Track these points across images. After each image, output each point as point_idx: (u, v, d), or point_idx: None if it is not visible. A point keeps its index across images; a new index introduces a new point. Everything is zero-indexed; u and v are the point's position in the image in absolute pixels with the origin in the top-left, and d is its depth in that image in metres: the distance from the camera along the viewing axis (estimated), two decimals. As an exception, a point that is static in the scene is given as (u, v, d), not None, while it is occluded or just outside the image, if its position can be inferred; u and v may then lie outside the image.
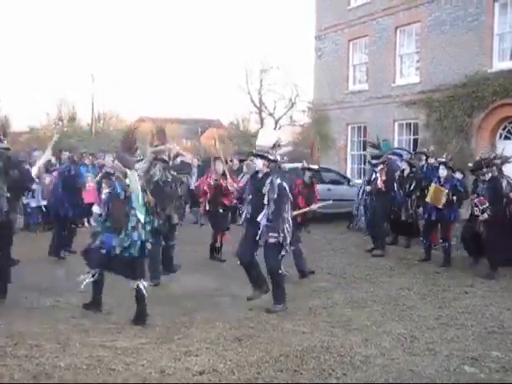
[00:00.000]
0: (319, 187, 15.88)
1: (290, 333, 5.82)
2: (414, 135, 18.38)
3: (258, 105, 32.79)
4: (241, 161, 16.70)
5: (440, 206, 9.73)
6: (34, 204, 13.89)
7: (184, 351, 5.17)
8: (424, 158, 12.22)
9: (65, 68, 74.12)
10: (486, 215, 8.74)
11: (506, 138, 15.65)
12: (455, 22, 16.61)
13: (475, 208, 8.95)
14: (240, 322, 6.15)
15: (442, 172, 9.95)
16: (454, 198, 9.75)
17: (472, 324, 6.20)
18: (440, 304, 7.10)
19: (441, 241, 10.16)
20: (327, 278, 8.72)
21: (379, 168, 11.11)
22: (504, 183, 9.27)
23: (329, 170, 17.94)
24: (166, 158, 8.21)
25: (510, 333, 5.89)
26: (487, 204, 8.75)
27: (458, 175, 10.71)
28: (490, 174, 8.95)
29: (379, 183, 10.92)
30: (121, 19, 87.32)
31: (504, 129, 15.73)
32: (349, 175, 19.65)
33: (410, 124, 18.61)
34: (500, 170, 9.26)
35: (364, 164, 19.90)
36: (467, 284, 8.25)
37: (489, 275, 8.69)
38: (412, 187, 11.56)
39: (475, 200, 8.97)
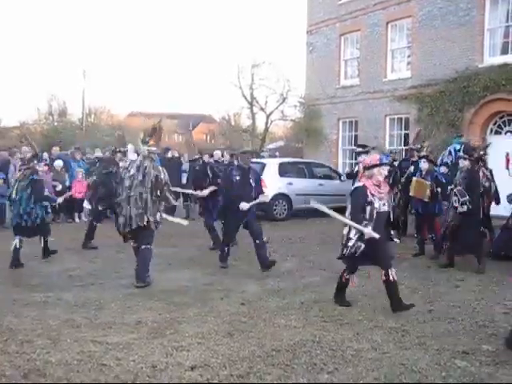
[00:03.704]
0: (310, 182, 16.07)
1: (282, 327, 5.82)
2: (405, 130, 18.43)
3: (250, 100, 32.67)
4: (232, 155, 16.72)
5: (426, 199, 9.79)
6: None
7: (176, 346, 5.16)
8: (415, 153, 12.28)
9: (56, 63, 73.80)
10: (465, 208, 8.75)
11: (497, 132, 15.72)
12: (446, 16, 16.64)
13: (454, 198, 8.93)
14: (231, 317, 6.15)
15: (424, 165, 10.04)
16: (439, 189, 9.80)
17: (463, 318, 6.23)
18: (431, 298, 7.13)
19: (429, 235, 10.24)
20: (319, 272, 8.73)
21: (362, 158, 11.14)
22: (480, 174, 9.34)
23: (320, 165, 17.99)
24: (154, 158, 8.03)
25: (500, 326, 5.92)
26: (467, 197, 8.76)
27: (443, 169, 10.78)
28: (466, 163, 9.00)
29: (360, 169, 10.93)
30: (112, 15, 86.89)
31: (495, 124, 15.80)
32: (340, 170, 19.68)
33: (401, 119, 18.66)
34: (479, 161, 9.33)
35: (355, 159, 19.95)
36: (458, 278, 8.29)
37: (479, 269, 8.73)
38: (391, 181, 11.61)
39: (455, 189, 8.96)
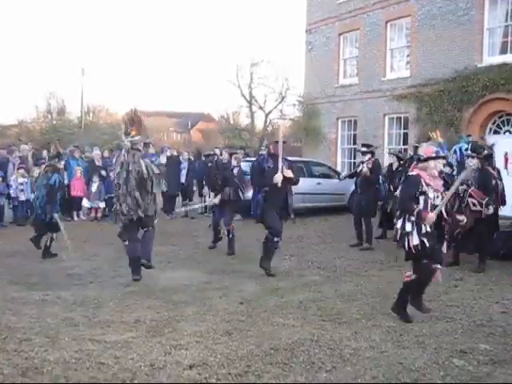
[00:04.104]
0: (308, 181, 16.05)
1: (280, 326, 5.82)
2: (404, 129, 18.44)
3: (249, 98, 32.72)
4: (231, 154, 16.71)
5: None
6: (22, 197, 13.82)
7: (174, 345, 5.16)
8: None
9: (54, 61, 73.70)
10: (491, 209, 8.70)
11: (496, 132, 15.73)
12: (445, 16, 16.64)
13: (470, 199, 8.85)
14: (230, 316, 6.15)
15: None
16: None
17: (461, 317, 6.23)
18: (429, 297, 7.10)
19: None
20: (317, 271, 8.73)
21: (366, 158, 11.15)
22: None
23: (319, 164, 17.99)
24: (140, 147, 7.81)
25: (498, 326, 5.92)
26: (487, 198, 8.67)
27: (447, 169, 10.75)
28: (474, 161, 8.95)
29: (364, 169, 10.91)
30: (111, 13, 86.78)
31: (494, 123, 15.81)
32: (339, 169, 19.69)
33: (400, 118, 18.66)
34: (488, 160, 9.30)
35: (354, 158, 19.96)
36: (456, 277, 8.29)
37: (478, 268, 8.73)
38: (401, 181, 11.59)
39: (470, 190, 8.88)
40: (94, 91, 71.36)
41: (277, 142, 8.40)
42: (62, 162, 10.36)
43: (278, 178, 7.98)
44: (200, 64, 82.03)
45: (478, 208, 8.73)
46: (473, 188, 8.81)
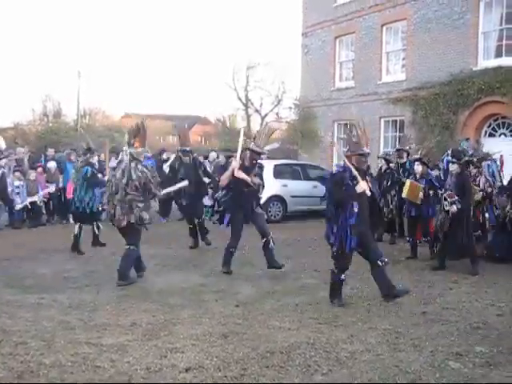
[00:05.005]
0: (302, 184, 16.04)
1: (276, 329, 5.82)
2: (399, 132, 18.47)
3: (245, 101, 32.77)
4: (228, 157, 16.72)
5: (418, 202, 9.83)
6: (18, 200, 13.79)
7: (170, 348, 5.16)
8: (405, 155, 12.29)
9: (50, 64, 73.64)
10: (454, 207, 8.81)
11: (491, 135, 15.77)
12: (441, 19, 16.69)
13: (444, 202, 9.02)
14: (226, 319, 6.15)
15: (417, 168, 10.07)
16: (431, 192, 9.82)
17: (456, 320, 6.25)
18: (425, 300, 7.14)
19: (423, 238, 10.29)
20: (313, 274, 8.73)
21: None
22: (482, 180, 9.40)
23: (315, 167, 17.99)
24: (141, 158, 8.05)
25: (493, 328, 5.94)
26: (456, 198, 8.83)
27: (435, 172, 10.81)
28: (455, 166, 9.03)
29: None
30: (108, 15, 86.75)
31: (489, 126, 15.86)
32: (335, 172, 19.67)
33: (395, 121, 18.70)
34: (470, 165, 9.39)
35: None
36: (452, 280, 8.31)
37: (473, 271, 8.76)
38: (389, 183, 11.65)
39: (445, 194, 9.04)
40: (91, 94, 71.33)
41: (361, 154, 7.19)
42: (95, 158, 10.54)
43: (363, 185, 6.75)
44: (196, 67, 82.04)
45: (448, 208, 8.92)
46: (448, 192, 8.94)
